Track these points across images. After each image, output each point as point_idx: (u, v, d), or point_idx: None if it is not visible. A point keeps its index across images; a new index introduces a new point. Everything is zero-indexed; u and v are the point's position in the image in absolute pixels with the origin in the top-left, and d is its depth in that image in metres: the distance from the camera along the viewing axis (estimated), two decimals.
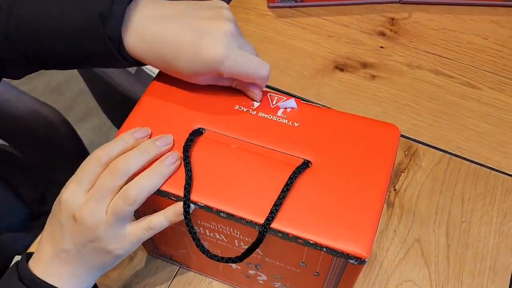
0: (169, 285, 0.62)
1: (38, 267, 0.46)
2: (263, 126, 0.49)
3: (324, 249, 0.42)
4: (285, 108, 0.51)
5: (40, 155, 0.99)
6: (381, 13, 0.90)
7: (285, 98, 0.51)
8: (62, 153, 0.99)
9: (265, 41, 0.85)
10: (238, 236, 0.47)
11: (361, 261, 0.42)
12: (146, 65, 0.51)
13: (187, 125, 0.49)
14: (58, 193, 0.46)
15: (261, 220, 0.43)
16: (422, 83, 0.80)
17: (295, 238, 0.43)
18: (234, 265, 0.55)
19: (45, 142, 0.96)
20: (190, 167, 0.46)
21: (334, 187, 0.45)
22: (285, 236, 0.43)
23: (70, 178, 0.46)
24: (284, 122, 0.50)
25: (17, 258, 0.58)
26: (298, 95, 0.78)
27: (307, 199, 0.44)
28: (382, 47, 0.85)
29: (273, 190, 0.44)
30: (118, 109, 1.05)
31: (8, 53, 0.50)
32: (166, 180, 0.46)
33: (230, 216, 0.44)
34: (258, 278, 0.55)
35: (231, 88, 0.52)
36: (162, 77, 0.52)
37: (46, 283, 0.46)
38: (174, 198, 0.46)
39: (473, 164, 0.72)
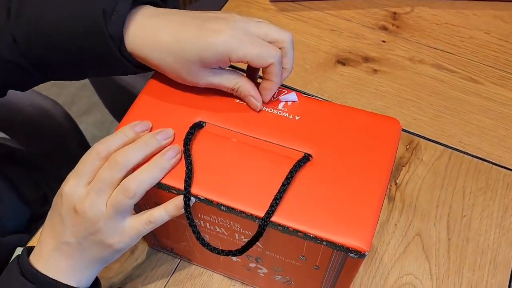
0: (170, 278, 0.62)
1: (39, 261, 0.47)
2: (263, 119, 0.49)
3: (324, 243, 0.42)
4: (286, 101, 0.51)
5: (42, 149, 0.99)
6: (384, 7, 0.90)
7: (286, 92, 0.51)
8: (64, 147, 0.99)
9: None
10: (238, 230, 0.47)
11: (361, 254, 0.42)
12: (149, 70, 0.51)
13: (188, 119, 0.49)
14: None
15: (261, 214, 0.43)
16: (424, 77, 0.80)
17: (295, 232, 0.43)
18: (234, 258, 0.55)
19: (47, 136, 0.96)
20: (191, 161, 0.46)
21: (335, 180, 0.45)
22: (285, 229, 0.43)
23: (70, 172, 0.46)
24: (285, 115, 0.50)
25: (18, 251, 0.58)
26: (300, 89, 0.78)
27: (308, 192, 0.44)
28: (384, 41, 0.85)
29: (274, 183, 0.44)
30: (119, 104, 1.05)
31: (15, 56, 0.50)
32: (167, 174, 0.46)
33: (231, 209, 0.44)
34: (258, 271, 0.55)
35: None
36: None
37: (48, 277, 0.46)
38: (174, 192, 0.46)
39: (474, 158, 0.71)
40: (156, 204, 0.47)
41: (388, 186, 0.68)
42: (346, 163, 0.46)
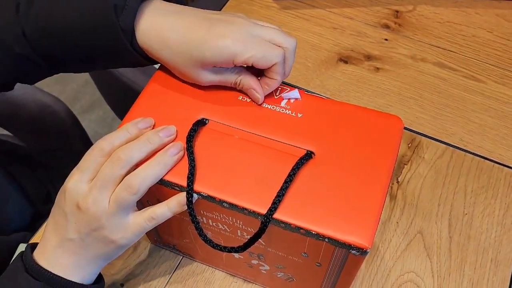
0: (172, 275, 0.62)
1: (43, 257, 0.47)
2: (266, 116, 0.50)
3: (326, 240, 0.43)
4: (289, 99, 0.51)
5: (45, 146, 0.99)
6: (386, 6, 0.90)
7: (289, 89, 0.51)
8: (66, 143, 0.99)
9: None
10: (240, 226, 0.48)
11: (363, 252, 0.42)
12: (156, 63, 0.52)
13: (191, 116, 0.49)
14: None
15: (263, 211, 0.43)
16: (426, 76, 0.80)
17: (297, 229, 0.43)
18: (237, 255, 0.55)
19: (49, 133, 0.96)
20: (193, 157, 0.46)
21: (337, 178, 0.45)
22: (287, 226, 0.43)
23: (73, 168, 0.47)
24: (288, 113, 0.50)
25: (21, 247, 0.58)
26: (302, 87, 0.78)
27: (310, 190, 0.44)
28: (386, 39, 0.85)
29: (276, 180, 0.44)
30: (122, 101, 1.05)
31: (24, 49, 0.50)
32: (169, 170, 0.46)
33: (233, 206, 0.44)
34: (260, 268, 0.55)
35: None
36: (166, 67, 0.53)
37: (52, 273, 0.46)
38: (177, 188, 0.46)
39: (476, 157, 0.72)
40: (159, 200, 0.47)
41: (390, 184, 0.68)
42: (348, 161, 0.46)
